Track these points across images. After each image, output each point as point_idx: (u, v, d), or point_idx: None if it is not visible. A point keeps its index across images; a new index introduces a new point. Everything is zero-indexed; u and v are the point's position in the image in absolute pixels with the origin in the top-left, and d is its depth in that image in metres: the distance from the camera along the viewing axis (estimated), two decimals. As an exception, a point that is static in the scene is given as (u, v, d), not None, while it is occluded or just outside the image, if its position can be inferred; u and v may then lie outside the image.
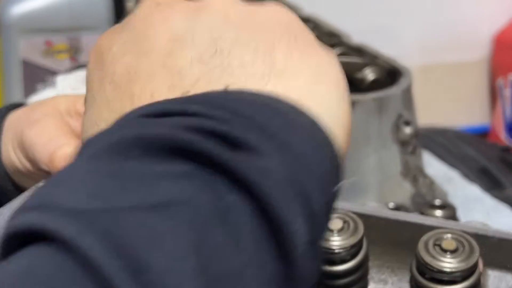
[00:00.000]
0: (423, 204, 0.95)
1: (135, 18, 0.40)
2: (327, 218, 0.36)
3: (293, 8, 1.24)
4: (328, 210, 0.35)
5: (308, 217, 0.32)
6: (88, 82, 0.41)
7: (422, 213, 0.91)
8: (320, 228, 0.34)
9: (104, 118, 0.38)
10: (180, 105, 0.34)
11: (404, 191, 1.01)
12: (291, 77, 0.37)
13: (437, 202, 0.94)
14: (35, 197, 0.31)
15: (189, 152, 0.31)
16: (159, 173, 0.31)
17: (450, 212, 0.91)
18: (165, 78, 0.37)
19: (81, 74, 1.26)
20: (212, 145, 0.32)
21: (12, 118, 0.64)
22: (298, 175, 0.33)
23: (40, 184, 0.49)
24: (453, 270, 0.49)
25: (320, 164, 0.35)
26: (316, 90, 0.37)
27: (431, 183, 1.02)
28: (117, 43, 0.40)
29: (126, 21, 0.41)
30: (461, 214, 0.94)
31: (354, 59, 1.03)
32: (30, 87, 1.54)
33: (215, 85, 0.36)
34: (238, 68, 0.37)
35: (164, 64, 0.38)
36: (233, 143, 0.32)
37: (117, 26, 0.41)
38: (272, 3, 0.41)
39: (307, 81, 0.37)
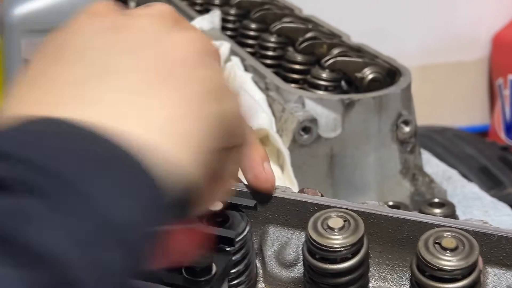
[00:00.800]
0: (422, 203, 0.95)
1: (70, 24, 0.41)
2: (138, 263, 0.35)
3: (294, 10, 1.25)
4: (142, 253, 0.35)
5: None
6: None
7: (421, 211, 0.91)
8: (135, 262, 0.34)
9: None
10: (11, 148, 0.33)
11: (403, 190, 1.01)
12: (154, 128, 0.37)
13: (436, 200, 0.94)
14: None
15: None
16: None
17: (449, 210, 0.92)
18: (43, 86, 0.38)
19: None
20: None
21: None
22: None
23: None
24: (453, 268, 0.49)
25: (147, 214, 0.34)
26: (175, 144, 0.37)
27: (430, 182, 1.03)
28: (49, 44, 0.41)
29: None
30: (460, 212, 0.95)
31: (354, 59, 1.03)
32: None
33: (74, 114, 0.36)
34: (104, 104, 0.37)
35: (54, 71, 0.38)
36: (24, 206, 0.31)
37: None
38: (190, 35, 0.40)
39: (168, 135, 0.37)
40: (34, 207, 0.31)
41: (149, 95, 0.37)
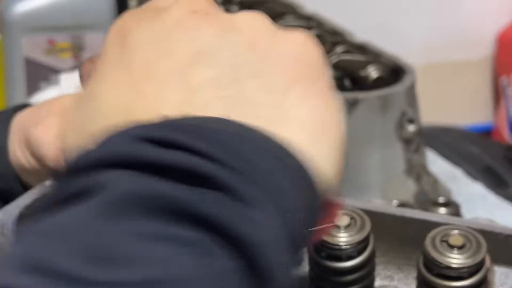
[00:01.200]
0: (427, 202, 0.95)
1: (168, 16, 0.39)
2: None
3: (296, 7, 1.24)
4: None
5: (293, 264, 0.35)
6: (104, 54, 0.40)
7: (426, 210, 0.90)
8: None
9: (108, 99, 0.38)
10: (185, 138, 0.33)
11: (407, 189, 1.01)
12: (298, 128, 0.37)
13: (441, 200, 0.94)
14: (30, 251, 0.29)
15: (187, 213, 0.31)
16: (152, 239, 0.30)
17: (454, 210, 0.91)
18: (177, 88, 0.37)
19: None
20: (212, 204, 0.31)
21: (19, 118, 0.65)
22: (293, 232, 0.34)
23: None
24: (460, 266, 0.48)
25: (309, 217, 0.36)
26: (318, 145, 0.38)
27: (434, 181, 1.02)
28: (144, 31, 0.39)
29: (157, 11, 0.40)
30: (464, 212, 0.94)
31: (357, 57, 1.03)
32: (33, 86, 1.54)
33: (223, 115, 0.36)
34: (250, 105, 0.37)
35: (181, 72, 0.37)
36: (235, 198, 0.32)
37: (147, 12, 0.40)
38: (300, 32, 0.40)
39: (311, 135, 0.37)
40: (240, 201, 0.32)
41: (304, 116, 0.38)
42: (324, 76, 0.40)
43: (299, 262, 0.36)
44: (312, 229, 0.36)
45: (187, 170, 0.32)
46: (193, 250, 0.30)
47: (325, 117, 0.39)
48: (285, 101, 0.37)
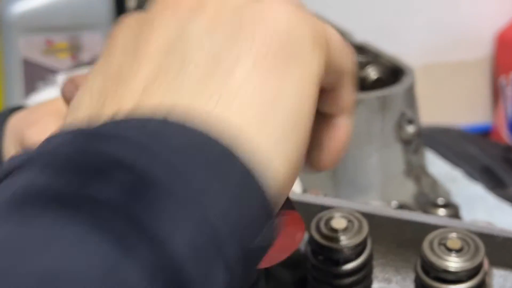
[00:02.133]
0: (426, 203, 0.95)
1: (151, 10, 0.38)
2: (248, 270, 0.31)
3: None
4: (249, 264, 0.31)
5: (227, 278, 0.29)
6: (105, 45, 0.39)
7: (425, 212, 0.90)
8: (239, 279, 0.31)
9: (91, 87, 0.37)
10: (114, 130, 0.32)
11: (407, 190, 1.00)
12: (242, 105, 0.32)
13: (440, 201, 0.93)
14: None
15: (97, 206, 0.28)
16: (54, 238, 0.27)
17: (453, 211, 0.91)
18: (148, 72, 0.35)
19: (82, 73, 1.26)
20: (124, 200, 0.28)
21: (14, 120, 0.65)
22: (217, 233, 0.29)
23: None
24: (458, 269, 0.48)
25: (242, 218, 0.30)
26: (266, 130, 0.32)
27: (434, 182, 1.02)
28: (129, 27, 0.38)
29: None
30: (464, 213, 0.94)
31: (356, 58, 1.03)
32: (30, 86, 1.54)
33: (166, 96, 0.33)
34: (190, 84, 0.33)
35: (158, 58, 0.35)
36: (146, 190, 0.29)
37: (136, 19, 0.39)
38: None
39: (258, 112, 0.32)
40: (156, 194, 0.29)
41: (251, 91, 0.33)
42: (287, 45, 0.34)
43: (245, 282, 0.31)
44: (261, 244, 0.31)
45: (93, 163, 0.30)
46: (86, 248, 0.27)
47: (276, 88, 0.33)
48: (230, 77, 0.33)
